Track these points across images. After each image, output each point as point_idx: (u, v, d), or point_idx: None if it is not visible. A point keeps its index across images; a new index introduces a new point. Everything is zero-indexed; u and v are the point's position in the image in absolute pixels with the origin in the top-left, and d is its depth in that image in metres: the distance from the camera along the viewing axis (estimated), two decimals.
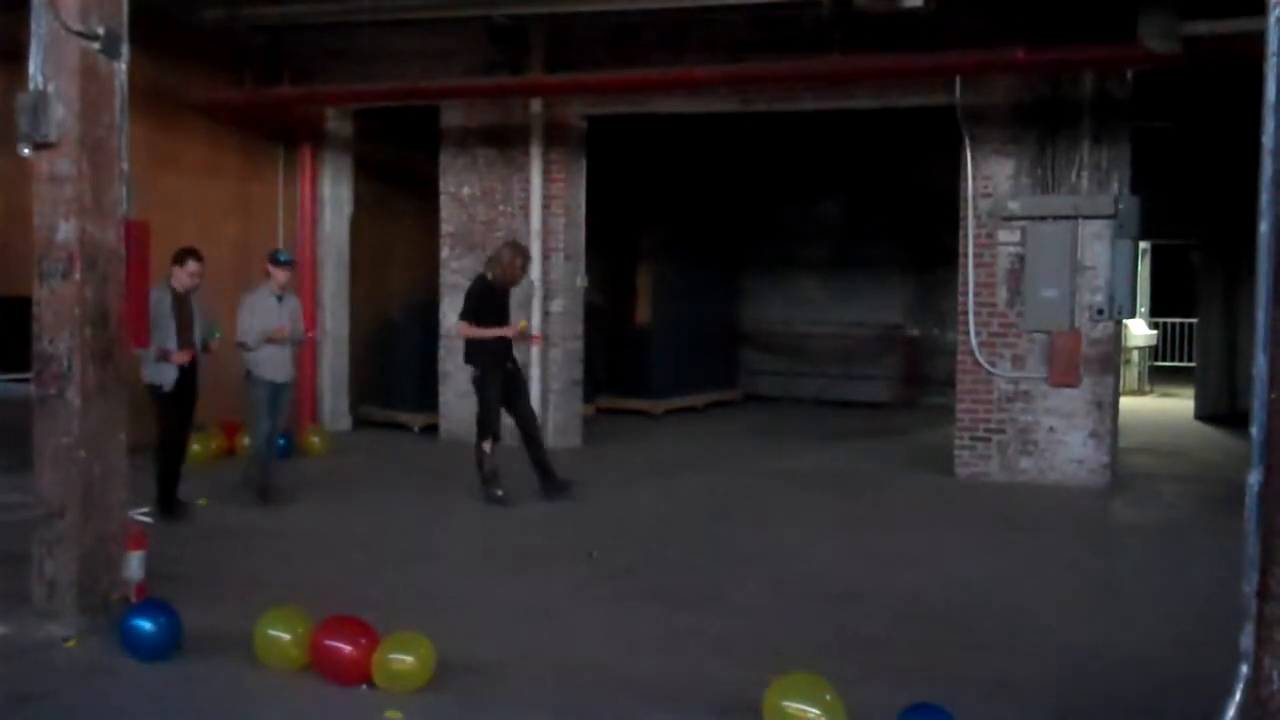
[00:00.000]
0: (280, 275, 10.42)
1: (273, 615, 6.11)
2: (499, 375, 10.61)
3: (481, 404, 10.63)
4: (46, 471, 6.54)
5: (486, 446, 10.55)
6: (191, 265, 9.69)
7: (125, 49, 6.65)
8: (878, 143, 17.37)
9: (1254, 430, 4.30)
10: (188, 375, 9.70)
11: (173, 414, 9.74)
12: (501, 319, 10.67)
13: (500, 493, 10.47)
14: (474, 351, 10.63)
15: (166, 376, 9.56)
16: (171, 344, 9.50)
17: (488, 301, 10.60)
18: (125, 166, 6.70)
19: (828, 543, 9.43)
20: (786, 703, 5.11)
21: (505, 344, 10.66)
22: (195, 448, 12.29)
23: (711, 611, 7.33)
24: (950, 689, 5.62)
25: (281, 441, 12.58)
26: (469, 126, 14.01)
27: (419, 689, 5.67)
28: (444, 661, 5.92)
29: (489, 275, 10.68)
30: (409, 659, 5.73)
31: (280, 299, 10.40)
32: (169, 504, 9.70)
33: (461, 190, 14.07)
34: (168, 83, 12.57)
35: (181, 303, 9.67)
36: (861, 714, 5.20)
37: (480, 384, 10.64)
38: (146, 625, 6.16)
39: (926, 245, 18.31)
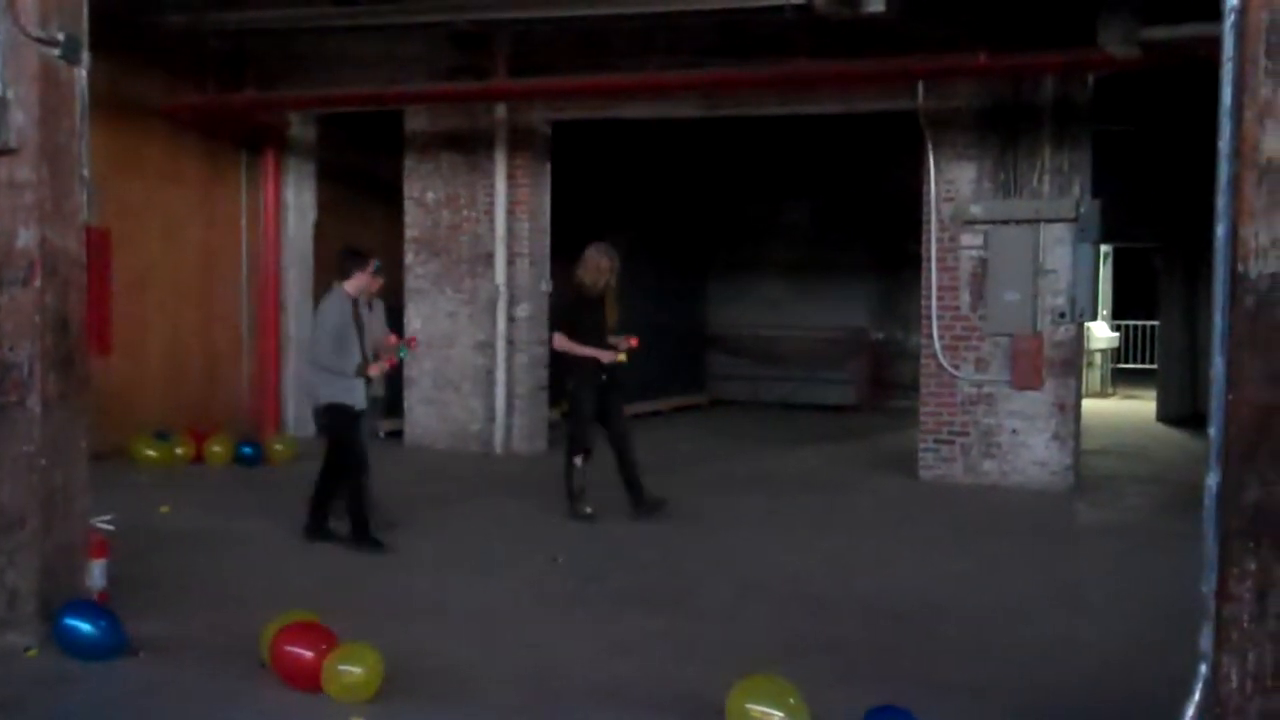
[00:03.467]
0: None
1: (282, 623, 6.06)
2: (593, 388, 10.05)
3: (573, 417, 10.16)
4: (7, 480, 6.48)
5: (577, 461, 10.05)
6: (372, 266, 9.05)
7: (86, 55, 6.60)
8: (842, 147, 17.43)
9: (1212, 432, 4.34)
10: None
11: (359, 435, 8.97)
12: (599, 329, 10.02)
13: (589, 510, 10.01)
14: (567, 365, 10.17)
15: (357, 395, 8.81)
16: (359, 357, 8.80)
17: (582, 311, 10.03)
18: (86, 173, 6.65)
19: (793, 545, 9.45)
20: (750, 705, 5.12)
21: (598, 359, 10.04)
22: (153, 454, 12.28)
23: (677, 615, 7.33)
24: (914, 690, 5.65)
25: (248, 450, 12.56)
26: (433, 131, 13.99)
27: (371, 698, 5.60)
28: (410, 667, 5.91)
29: (580, 282, 10.10)
30: (357, 670, 5.64)
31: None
32: (364, 534, 8.85)
33: (426, 195, 14.04)
34: (129, 88, 12.50)
35: (357, 310, 8.99)
36: (826, 716, 5.21)
37: (573, 396, 10.16)
38: (85, 627, 6.18)
39: (890, 249, 18.41)
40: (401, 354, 9.33)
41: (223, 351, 14.24)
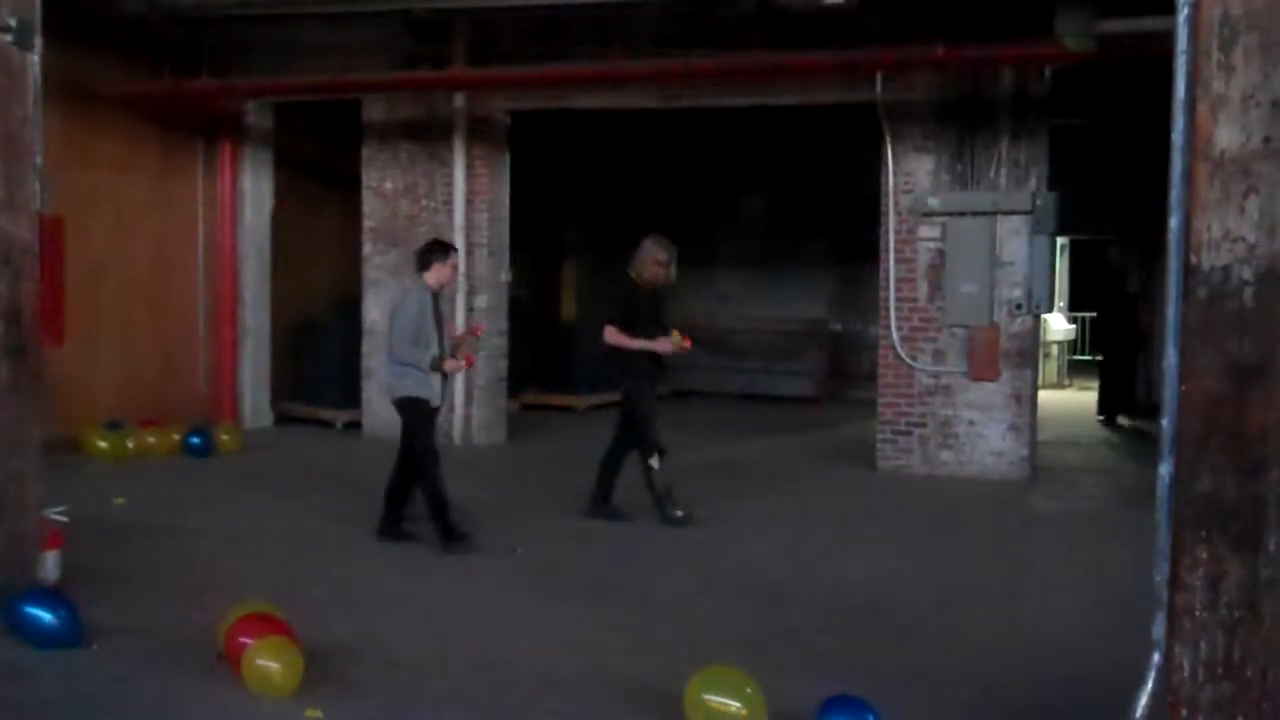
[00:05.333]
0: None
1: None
2: (652, 386, 9.76)
3: (639, 418, 9.68)
4: None
5: (654, 463, 9.58)
6: (454, 258, 8.89)
7: (38, 40, 6.54)
8: (801, 138, 17.47)
9: (1165, 422, 4.38)
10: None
11: (430, 430, 8.84)
12: (655, 325, 9.66)
13: (680, 513, 9.57)
14: (621, 361, 9.63)
15: (434, 390, 8.65)
16: (438, 350, 8.64)
17: (637, 305, 9.63)
18: (39, 160, 6.59)
19: (751, 536, 9.48)
20: (708, 696, 5.14)
21: (655, 354, 9.68)
22: (104, 445, 12.14)
23: (634, 607, 7.34)
24: (871, 680, 5.67)
25: (197, 440, 12.45)
26: (391, 120, 13.92)
27: (292, 694, 5.52)
28: (367, 659, 5.90)
29: (634, 275, 9.68)
30: (274, 665, 5.56)
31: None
32: (450, 529, 8.64)
33: (384, 184, 13.97)
34: (83, 75, 12.35)
35: (437, 304, 8.79)
36: (783, 706, 5.23)
37: (633, 396, 9.71)
38: (42, 615, 6.17)
39: (849, 241, 18.45)
40: (481, 348, 9.05)
41: (178, 341, 14.10)
